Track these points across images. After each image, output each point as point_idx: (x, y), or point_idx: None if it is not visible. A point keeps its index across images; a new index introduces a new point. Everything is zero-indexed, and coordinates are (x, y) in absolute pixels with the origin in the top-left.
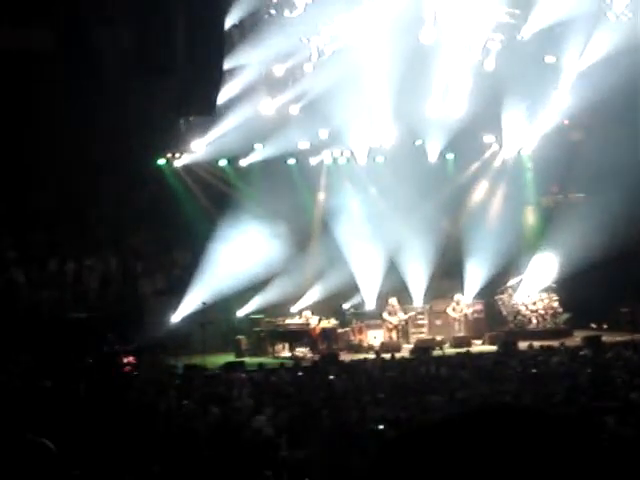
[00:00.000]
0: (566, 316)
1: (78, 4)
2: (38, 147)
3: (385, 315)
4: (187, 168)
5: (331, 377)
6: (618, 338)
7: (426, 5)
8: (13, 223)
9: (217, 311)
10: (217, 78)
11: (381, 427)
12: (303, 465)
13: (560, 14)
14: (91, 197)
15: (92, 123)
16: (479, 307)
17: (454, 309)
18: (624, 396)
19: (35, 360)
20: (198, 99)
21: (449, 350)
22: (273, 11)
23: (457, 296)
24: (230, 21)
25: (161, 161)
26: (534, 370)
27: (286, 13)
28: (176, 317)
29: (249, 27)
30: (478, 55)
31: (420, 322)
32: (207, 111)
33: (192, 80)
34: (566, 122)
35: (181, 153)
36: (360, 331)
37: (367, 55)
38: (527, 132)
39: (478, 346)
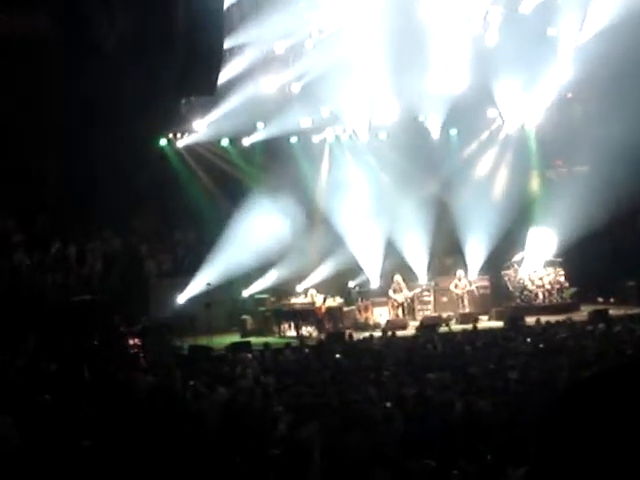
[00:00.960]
0: (572, 290)
1: None
2: (39, 131)
3: (391, 293)
4: (189, 148)
5: (337, 356)
6: (625, 311)
7: None
8: (16, 207)
9: (222, 291)
10: (217, 57)
11: (388, 405)
12: (308, 443)
13: None
14: (93, 179)
15: (92, 105)
16: (485, 283)
17: (456, 285)
18: None
19: (41, 343)
20: (198, 79)
21: (455, 326)
22: None
23: (459, 272)
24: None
25: (163, 141)
26: (542, 345)
27: None
28: (181, 298)
29: (249, 6)
30: (479, 29)
31: (426, 299)
32: (208, 91)
33: (192, 60)
34: (569, 95)
35: (183, 133)
36: (366, 309)
37: (367, 32)
38: (530, 106)
39: (485, 322)
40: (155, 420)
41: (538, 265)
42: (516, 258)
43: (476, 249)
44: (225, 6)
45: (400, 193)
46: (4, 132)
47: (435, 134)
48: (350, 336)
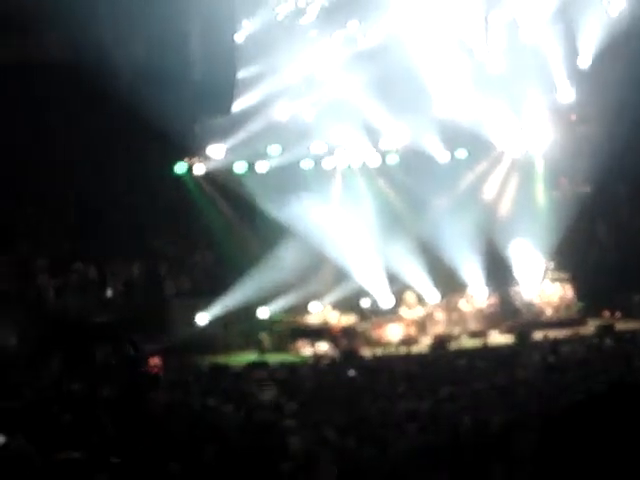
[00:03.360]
0: (579, 305)
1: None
2: (58, 156)
3: (402, 311)
4: (206, 173)
5: (352, 373)
6: (631, 325)
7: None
8: (38, 231)
9: (239, 311)
10: (232, 77)
11: (401, 421)
12: (322, 460)
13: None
14: (112, 203)
15: (111, 130)
16: (494, 300)
17: (466, 303)
18: None
19: (64, 364)
20: (214, 98)
21: (466, 342)
22: (285, 19)
23: (470, 290)
24: (244, 32)
25: (181, 167)
26: (550, 359)
27: (298, 21)
28: (201, 318)
29: (262, 36)
30: (482, 55)
31: (437, 317)
32: (224, 110)
33: (207, 80)
34: (573, 117)
35: (200, 159)
36: (379, 327)
37: (377, 59)
38: (536, 129)
39: (494, 338)
40: (175, 438)
41: (545, 281)
42: (523, 274)
43: (488, 267)
44: (239, 38)
45: (412, 215)
46: (25, 156)
47: (443, 158)
48: (364, 353)
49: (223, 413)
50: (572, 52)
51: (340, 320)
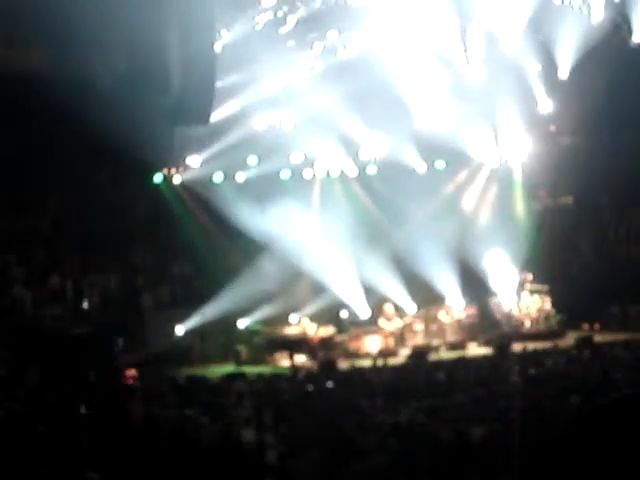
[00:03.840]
0: (558, 317)
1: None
2: (37, 165)
3: (381, 322)
4: (183, 184)
5: (330, 385)
6: (610, 338)
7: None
8: (15, 241)
9: (217, 323)
10: (211, 87)
11: (381, 433)
12: (301, 472)
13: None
14: (90, 214)
15: (90, 141)
16: (473, 311)
17: (445, 314)
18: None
19: (42, 376)
20: (193, 109)
21: (445, 354)
22: (264, 29)
23: (449, 301)
24: (223, 42)
25: (158, 177)
26: (530, 372)
27: (277, 31)
28: (178, 330)
29: (241, 46)
30: (461, 66)
31: (416, 328)
32: (203, 120)
33: (186, 90)
34: (552, 128)
35: (177, 169)
36: (357, 338)
37: (356, 70)
38: (515, 140)
39: (473, 349)
40: (152, 449)
41: (525, 293)
42: (503, 285)
43: (466, 278)
44: (221, 47)
45: (391, 225)
46: (3, 166)
47: (422, 168)
48: (342, 365)
49: (200, 425)
50: (550, 63)
51: (318, 331)
